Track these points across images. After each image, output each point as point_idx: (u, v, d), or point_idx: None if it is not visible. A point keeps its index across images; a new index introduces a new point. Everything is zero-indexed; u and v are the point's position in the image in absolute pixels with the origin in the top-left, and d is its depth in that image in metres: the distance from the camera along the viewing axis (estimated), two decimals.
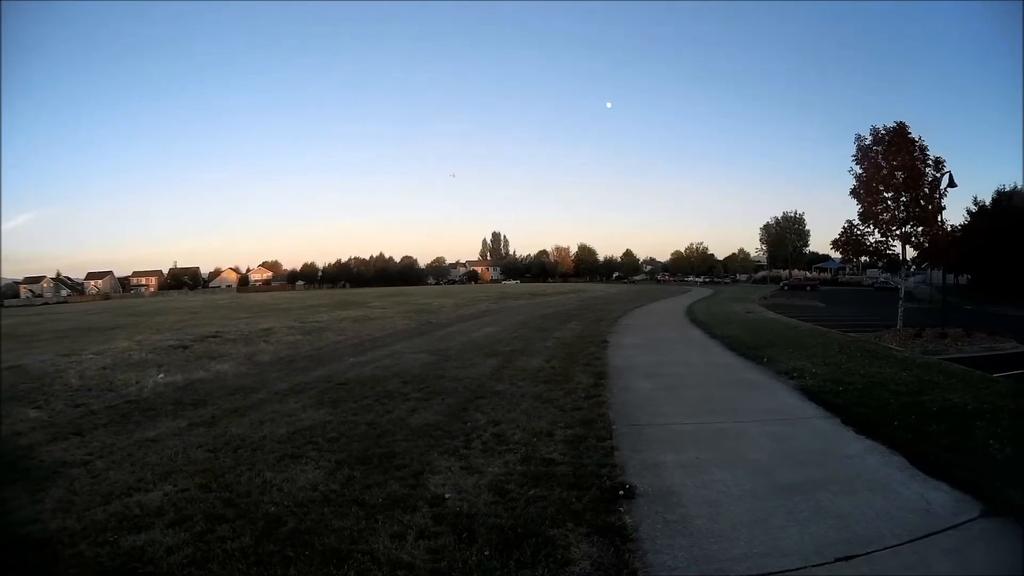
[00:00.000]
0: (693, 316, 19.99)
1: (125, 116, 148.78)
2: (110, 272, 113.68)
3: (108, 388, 8.72)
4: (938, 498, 3.68)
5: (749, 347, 10.85)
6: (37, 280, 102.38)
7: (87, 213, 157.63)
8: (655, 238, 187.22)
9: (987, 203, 39.21)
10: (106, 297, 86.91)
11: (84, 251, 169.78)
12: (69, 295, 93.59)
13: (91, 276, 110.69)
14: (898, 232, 17.77)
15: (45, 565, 3.22)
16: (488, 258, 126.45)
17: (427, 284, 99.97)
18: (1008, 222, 33.80)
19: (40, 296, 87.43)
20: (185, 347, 12.91)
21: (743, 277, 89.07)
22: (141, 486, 4.26)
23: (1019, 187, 39.40)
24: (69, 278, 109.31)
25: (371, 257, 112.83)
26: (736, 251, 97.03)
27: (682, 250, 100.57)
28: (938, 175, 17.09)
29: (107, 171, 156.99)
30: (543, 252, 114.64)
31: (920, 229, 17.59)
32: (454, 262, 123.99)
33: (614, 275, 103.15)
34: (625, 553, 3.04)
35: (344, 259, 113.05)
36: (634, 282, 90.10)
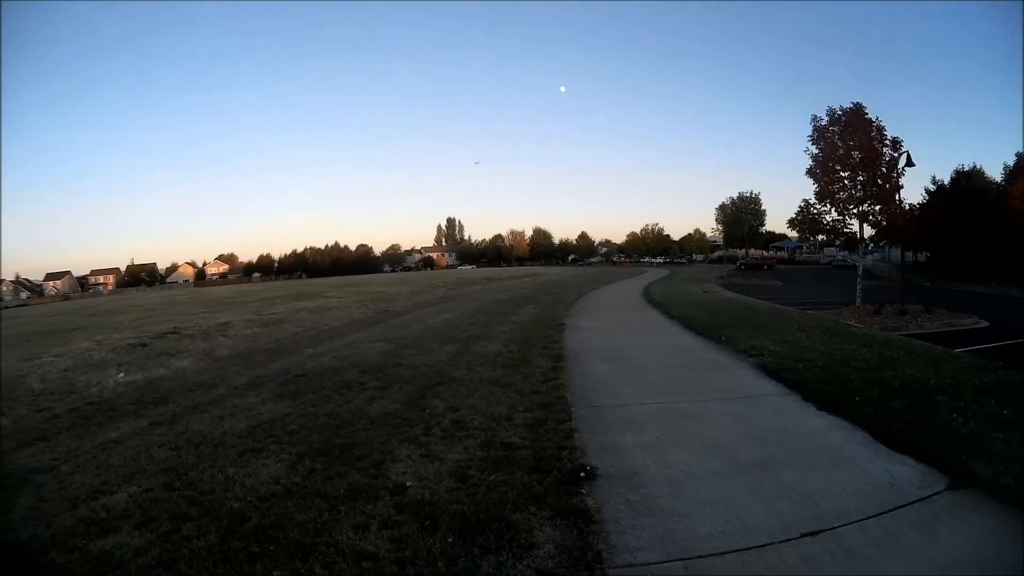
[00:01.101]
0: (650, 297, 19.90)
1: (78, 118, 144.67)
2: (68, 272, 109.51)
3: (70, 390, 8.49)
4: (903, 472, 3.70)
5: (707, 327, 10.84)
6: None
7: (42, 215, 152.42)
8: (610, 220, 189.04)
9: (946, 182, 40.51)
10: (65, 298, 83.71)
11: (41, 252, 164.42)
12: (29, 297, 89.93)
13: (49, 277, 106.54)
14: (855, 211, 18.15)
15: None
16: (443, 244, 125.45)
17: (383, 272, 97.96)
18: (967, 202, 34.95)
19: (1, 300, 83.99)
20: (144, 345, 12.57)
21: (699, 257, 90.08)
22: (106, 489, 4.17)
23: (978, 167, 40.91)
24: (28, 280, 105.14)
25: (326, 247, 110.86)
26: (692, 231, 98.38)
27: (638, 231, 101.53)
28: (896, 155, 17.52)
29: (59, 173, 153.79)
30: (498, 236, 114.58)
31: (878, 208, 17.98)
32: (409, 249, 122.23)
33: (570, 258, 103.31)
34: (588, 535, 3.04)
35: (300, 249, 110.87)
36: (590, 264, 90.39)
